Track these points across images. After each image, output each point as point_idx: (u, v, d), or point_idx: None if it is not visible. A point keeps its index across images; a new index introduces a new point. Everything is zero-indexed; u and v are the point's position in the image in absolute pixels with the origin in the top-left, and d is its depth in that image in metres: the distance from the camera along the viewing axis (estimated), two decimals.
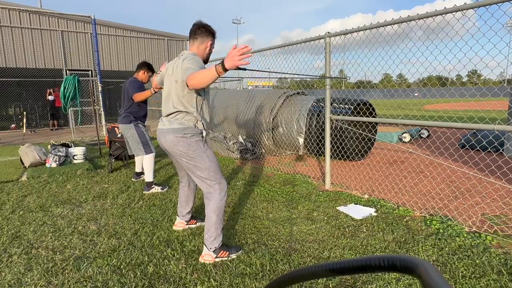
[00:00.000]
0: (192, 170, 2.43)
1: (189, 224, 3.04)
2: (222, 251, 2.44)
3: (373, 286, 2.05)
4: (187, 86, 2.24)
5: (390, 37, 3.28)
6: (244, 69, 2.17)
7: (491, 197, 3.68)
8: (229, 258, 2.45)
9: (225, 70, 1.94)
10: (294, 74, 3.81)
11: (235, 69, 1.98)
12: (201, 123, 2.45)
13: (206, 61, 2.58)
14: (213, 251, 2.41)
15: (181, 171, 2.87)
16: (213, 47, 2.64)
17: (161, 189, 4.30)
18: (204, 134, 2.49)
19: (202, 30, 2.51)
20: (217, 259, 2.42)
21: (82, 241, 2.80)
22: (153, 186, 4.29)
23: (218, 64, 1.95)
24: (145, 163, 4.35)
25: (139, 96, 4.31)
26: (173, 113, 2.42)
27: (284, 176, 4.80)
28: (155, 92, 4.16)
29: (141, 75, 4.43)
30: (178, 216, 3.03)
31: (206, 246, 2.44)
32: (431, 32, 2.96)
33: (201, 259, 2.43)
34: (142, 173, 4.75)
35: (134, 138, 4.37)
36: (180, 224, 3.02)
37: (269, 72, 3.27)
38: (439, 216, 3.12)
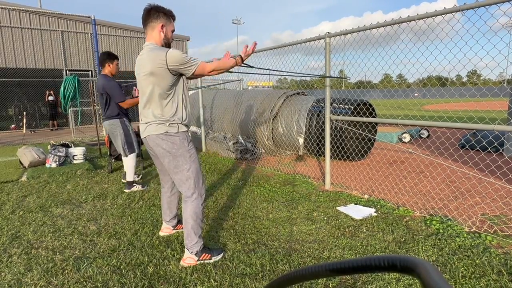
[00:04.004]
0: (173, 171, 2.35)
1: (177, 229, 2.94)
2: (204, 254, 2.40)
3: (373, 286, 2.05)
4: (198, 75, 2.28)
5: (390, 37, 3.28)
6: (252, 67, 2.62)
7: (491, 197, 3.68)
8: (212, 260, 2.40)
9: (242, 61, 2.38)
10: (297, 73, 3.81)
11: (246, 65, 2.50)
12: (183, 125, 2.37)
13: (167, 47, 2.37)
14: (194, 254, 2.37)
15: (164, 175, 2.75)
16: (173, 30, 2.40)
17: (141, 187, 4.29)
18: (188, 132, 2.42)
19: (150, 14, 2.30)
20: (198, 262, 2.38)
21: (82, 241, 2.80)
22: (134, 184, 4.28)
23: (238, 56, 2.36)
24: (128, 162, 4.26)
25: (128, 104, 4.11)
26: (153, 121, 2.32)
27: (284, 176, 4.80)
28: None
29: (108, 68, 4.17)
30: (163, 221, 2.93)
31: (187, 250, 2.39)
32: (431, 32, 2.96)
33: (182, 263, 2.37)
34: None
35: (120, 137, 4.25)
36: (166, 229, 2.92)
37: (273, 70, 3.27)
38: (439, 216, 3.12)
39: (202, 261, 2.38)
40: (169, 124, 2.30)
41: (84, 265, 2.40)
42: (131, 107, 4.22)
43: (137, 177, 4.80)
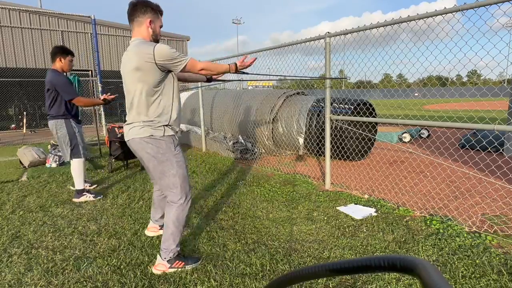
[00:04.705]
0: (159, 176, 2.25)
1: (162, 229, 2.81)
2: (177, 261, 2.28)
3: (373, 286, 2.05)
4: (188, 71, 2.18)
5: (390, 37, 3.28)
6: (247, 73, 2.57)
7: (491, 197, 3.68)
8: (185, 268, 2.29)
9: (236, 69, 2.36)
10: (297, 76, 3.80)
11: (241, 73, 2.46)
12: (170, 128, 2.25)
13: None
14: (167, 261, 2.27)
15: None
16: (161, 25, 2.29)
17: (93, 197, 3.92)
18: (175, 136, 2.30)
19: (137, 8, 2.18)
20: (171, 270, 2.26)
21: (82, 241, 2.80)
22: (84, 193, 3.91)
23: (232, 64, 2.35)
24: (73, 168, 3.93)
25: (82, 101, 3.84)
26: (137, 123, 2.20)
27: (284, 176, 4.80)
28: (106, 103, 3.87)
29: (59, 63, 3.83)
30: (151, 220, 2.84)
31: (160, 255, 2.29)
32: (431, 32, 2.96)
33: (153, 270, 2.27)
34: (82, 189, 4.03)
35: (64, 139, 3.85)
36: (152, 228, 2.83)
37: (271, 75, 3.28)
38: (439, 216, 3.12)
39: (175, 269, 2.27)
40: (154, 127, 2.18)
41: (84, 265, 2.40)
42: (86, 107, 3.88)
43: (90, 185, 4.43)
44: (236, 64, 2.33)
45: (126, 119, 2.29)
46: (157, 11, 2.26)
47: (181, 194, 2.27)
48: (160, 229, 2.83)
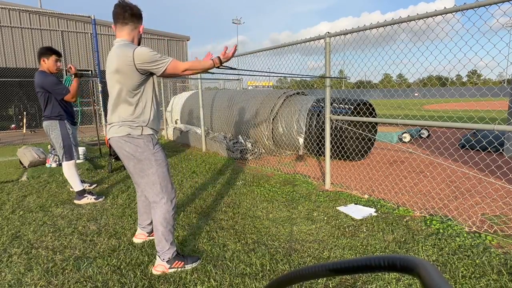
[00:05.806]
0: (139, 174, 2.24)
1: (151, 236, 2.77)
2: (176, 261, 2.29)
3: (373, 286, 2.05)
4: (170, 74, 2.13)
5: (390, 37, 3.28)
6: (234, 68, 2.53)
7: (491, 197, 3.68)
8: (184, 268, 2.29)
9: (221, 63, 2.23)
10: (296, 74, 3.81)
11: (226, 67, 2.39)
12: (148, 128, 2.23)
13: (139, 44, 2.33)
14: (166, 262, 2.27)
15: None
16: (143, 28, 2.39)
17: (95, 199, 3.88)
18: (155, 135, 2.29)
19: (133, 13, 2.23)
20: (171, 270, 2.27)
21: (82, 241, 2.80)
22: (85, 195, 3.86)
23: (216, 58, 2.21)
24: (65, 171, 3.88)
25: (72, 94, 3.79)
26: (116, 123, 2.20)
27: (284, 176, 4.80)
28: (78, 76, 3.73)
29: (44, 65, 3.78)
30: (138, 227, 2.78)
31: (159, 257, 2.29)
32: (431, 32, 2.96)
33: (153, 271, 2.27)
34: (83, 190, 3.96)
35: (57, 140, 3.81)
36: (140, 235, 2.77)
37: (265, 72, 3.27)
38: (439, 216, 3.12)
39: (175, 269, 2.28)
40: (132, 126, 2.17)
41: (84, 265, 2.40)
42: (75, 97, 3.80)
43: (89, 185, 4.46)
44: (219, 58, 2.20)
45: (108, 119, 2.29)
46: (142, 16, 2.34)
47: (162, 193, 2.26)
48: (148, 236, 2.79)
